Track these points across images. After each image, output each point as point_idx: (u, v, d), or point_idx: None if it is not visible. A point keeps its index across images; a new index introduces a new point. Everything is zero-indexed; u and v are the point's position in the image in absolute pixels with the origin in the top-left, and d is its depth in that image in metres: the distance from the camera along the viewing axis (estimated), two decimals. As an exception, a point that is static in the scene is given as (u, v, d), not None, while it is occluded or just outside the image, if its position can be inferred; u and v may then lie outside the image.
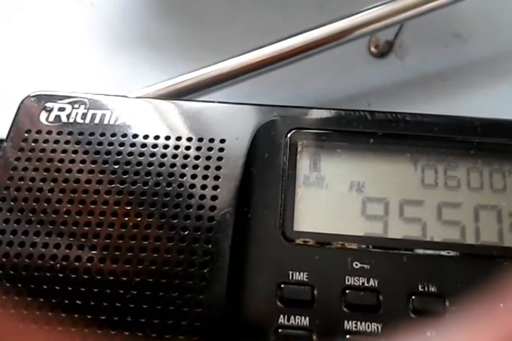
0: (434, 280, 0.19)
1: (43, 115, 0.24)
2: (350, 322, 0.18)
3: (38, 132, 0.23)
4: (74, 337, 0.18)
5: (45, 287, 0.19)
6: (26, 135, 0.23)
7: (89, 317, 0.19)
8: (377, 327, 0.18)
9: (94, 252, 0.20)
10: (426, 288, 0.19)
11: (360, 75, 0.32)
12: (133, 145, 0.22)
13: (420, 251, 0.20)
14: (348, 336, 0.18)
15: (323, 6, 0.34)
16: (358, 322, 0.18)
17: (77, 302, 0.19)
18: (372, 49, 0.32)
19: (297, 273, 0.19)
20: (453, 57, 0.32)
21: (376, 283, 0.19)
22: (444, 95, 0.31)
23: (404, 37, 0.33)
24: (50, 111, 0.24)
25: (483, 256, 0.19)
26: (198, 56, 0.29)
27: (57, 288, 0.19)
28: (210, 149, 0.22)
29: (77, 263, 0.20)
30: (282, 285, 0.19)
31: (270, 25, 0.33)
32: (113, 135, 0.23)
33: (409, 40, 0.33)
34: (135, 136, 0.23)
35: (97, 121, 0.23)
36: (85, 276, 0.19)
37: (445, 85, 0.31)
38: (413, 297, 0.18)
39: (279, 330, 0.18)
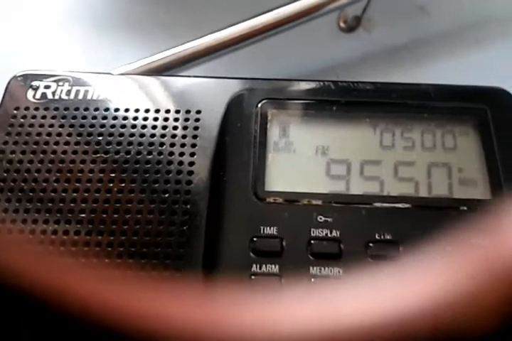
0: (390, 229, 0.21)
1: (30, 93, 0.25)
2: (315, 268, 0.20)
3: (26, 109, 0.25)
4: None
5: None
6: (15, 112, 0.25)
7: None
8: (339, 271, 0.20)
9: (83, 215, 0.22)
10: (382, 236, 0.21)
11: (330, 49, 0.33)
12: (115, 118, 0.24)
13: (378, 205, 0.22)
14: (312, 279, 0.20)
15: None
16: (322, 268, 0.20)
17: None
18: (342, 24, 0.34)
19: (268, 228, 0.21)
20: (417, 30, 0.34)
21: (338, 233, 0.21)
22: (410, 66, 0.32)
23: (372, 11, 0.34)
24: (36, 89, 0.25)
25: (434, 207, 0.22)
26: (177, 34, 0.31)
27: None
28: (186, 120, 0.24)
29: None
30: (255, 239, 0.21)
31: (247, 3, 0.35)
32: (96, 109, 0.24)
33: (376, 15, 0.34)
34: (117, 109, 0.24)
35: (80, 97, 0.25)
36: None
37: (411, 56, 0.33)
38: (371, 244, 0.21)
39: (252, 277, 0.20)
